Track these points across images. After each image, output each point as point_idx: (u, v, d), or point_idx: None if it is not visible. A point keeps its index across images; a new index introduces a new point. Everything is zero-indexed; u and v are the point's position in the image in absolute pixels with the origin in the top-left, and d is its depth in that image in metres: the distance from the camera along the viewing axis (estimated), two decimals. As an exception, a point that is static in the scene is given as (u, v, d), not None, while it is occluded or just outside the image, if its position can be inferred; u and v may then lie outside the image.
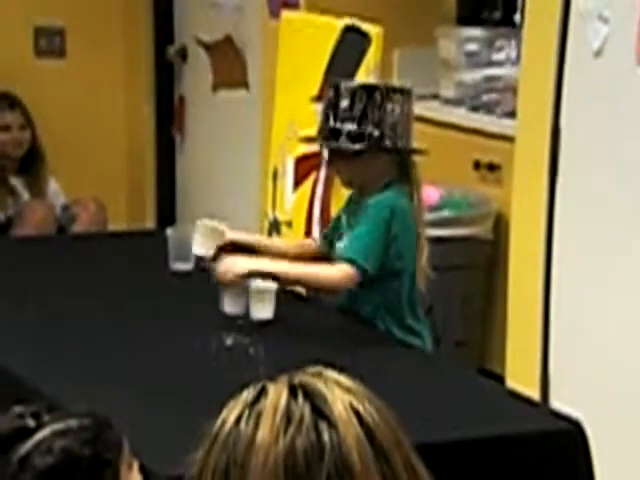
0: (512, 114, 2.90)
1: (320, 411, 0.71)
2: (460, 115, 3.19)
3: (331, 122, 2.08)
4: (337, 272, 2.03)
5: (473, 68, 3.24)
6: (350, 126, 2.06)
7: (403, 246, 2.06)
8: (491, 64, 3.23)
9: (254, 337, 1.99)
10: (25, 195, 3.61)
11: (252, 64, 3.70)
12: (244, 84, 3.76)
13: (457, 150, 3.13)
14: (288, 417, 0.71)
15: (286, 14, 3.01)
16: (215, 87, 3.92)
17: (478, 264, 3.10)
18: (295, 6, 3.29)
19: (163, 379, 1.88)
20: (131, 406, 1.73)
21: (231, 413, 0.73)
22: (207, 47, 3.93)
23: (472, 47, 3.25)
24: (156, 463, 1.50)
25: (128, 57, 4.12)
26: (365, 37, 2.66)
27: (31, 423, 1.16)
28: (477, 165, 3.15)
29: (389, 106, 2.07)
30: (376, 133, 2.05)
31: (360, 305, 2.10)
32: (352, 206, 2.16)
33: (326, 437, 0.70)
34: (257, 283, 2.08)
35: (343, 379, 0.74)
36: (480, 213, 3.10)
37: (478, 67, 3.24)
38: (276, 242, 2.45)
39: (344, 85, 2.10)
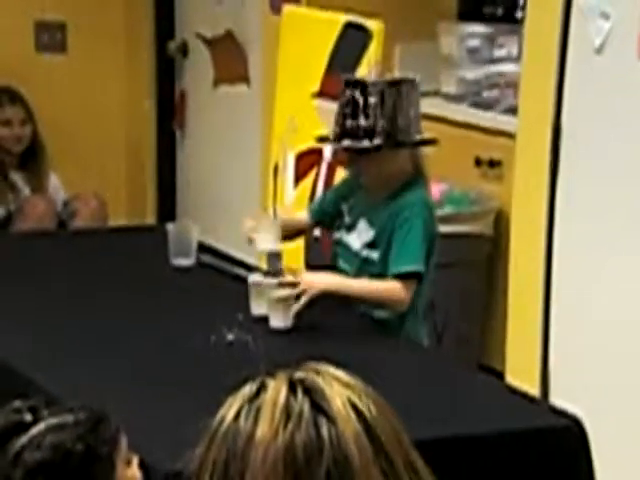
0: (513, 110, 2.90)
1: (319, 406, 0.72)
2: (461, 111, 3.19)
3: (360, 120, 2.06)
4: (396, 291, 2.03)
5: (474, 64, 3.23)
6: (367, 122, 2.06)
7: (433, 245, 2.08)
8: (492, 60, 3.23)
9: (255, 333, 1.99)
10: (26, 190, 3.61)
11: (253, 59, 3.69)
12: (245, 79, 3.76)
13: (458, 146, 3.12)
14: (287, 412, 0.72)
15: (287, 9, 3.01)
16: (216, 82, 3.91)
17: (479, 260, 3.10)
18: (296, 1, 3.28)
19: (163, 374, 1.88)
20: (131, 401, 1.73)
21: (230, 409, 0.73)
22: (208, 42, 3.93)
23: (473, 43, 3.24)
24: (155, 458, 1.50)
25: (129, 52, 4.12)
26: (366, 33, 2.66)
27: (28, 418, 1.16)
28: (478, 162, 3.14)
29: (410, 100, 2.08)
30: (400, 127, 2.06)
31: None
32: (363, 202, 2.14)
33: (325, 432, 0.71)
34: (275, 291, 2.03)
35: (342, 375, 0.75)
36: (481, 210, 3.10)
37: (479, 63, 3.23)
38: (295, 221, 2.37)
39: (371, 82, 2.09)
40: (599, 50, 2.40)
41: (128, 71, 4.13)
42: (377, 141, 2.06)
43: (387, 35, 2.67)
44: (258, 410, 0.72)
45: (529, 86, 2.62)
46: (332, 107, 2.73)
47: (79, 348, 1.98)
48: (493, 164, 3.11)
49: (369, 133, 2.06)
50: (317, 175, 2.80)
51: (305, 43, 2.85)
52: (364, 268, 2.10)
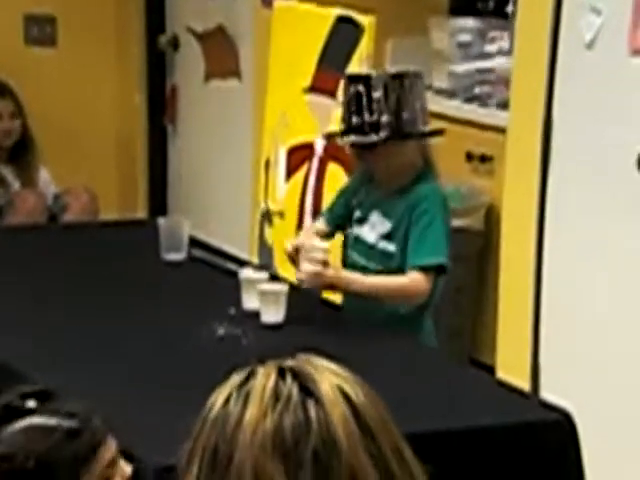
0: (504, 105, 2.90)
1: (307, 390, 0.73)
2: (452, 106, 3.19)
3: (365, 115, 2.05)
4: (416, 284, 2.01)
5: (465, 59, 3.23)
6: (371, 117, 2.05)
7: (449, 238, 2.08)
8: (483, 55, 3.23)
9: (246, 327, 1.99)
10: (16, 184, 3.60)
11: (244, 54, 3.68)
12: (236, 74, 3.75)
13: (449, 141, 3.12)
14: (276, 396, 0.72)
15: (279, 3, 3.00)
16: (207, 77, 3.90)
17: (469, 255, 3.11)
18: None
19: (154, 369, 1.88)
20: (121, 396, 1.73)
21: (219, 395, 0.74)
22: (199, 36, 3.92)
23: (465, 38, 3.25)
24: (146, 453, 1.50)
25: (119, 46, 4.10)
26: (358, 27, 2.66)
27: (29, 404, 1.16)
28: (469, 156, 3.15)
29: (415, 92, 2.08)
30: (406, 119, 2.06)
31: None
32: (374, 194, 2.13)
33: (313, 414, 0.72)
34: (265, 285, 2.02)
35: (332, 365, 0.76)
36: (472, 204, 3.10)
37: (470, 58, 3.23)
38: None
39: (374, 76, 2.09)
40: (590, 45, 2.41)
41: (118, 65, 4.11)
42: (383, 134, 2.06)
43: (378, 30, 2.67)
44: (247, 395, 0.73)
45: (520, 81, 2.62)
46: (324, 102, 2.73)
47: (70, 342, 1.97)
48: (484, 159, 3.12)
49: (374, 127, 2.06)
50: (308, 170, 2.80)
51: (296, 37, 2.85)
52: (383, 261, 2.09)
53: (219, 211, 3.87)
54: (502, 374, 2.46)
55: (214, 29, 3.83)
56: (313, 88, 2.78)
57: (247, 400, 0.73)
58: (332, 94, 2.66)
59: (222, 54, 3.80)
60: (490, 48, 3.23)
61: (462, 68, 3.24)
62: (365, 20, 2.66)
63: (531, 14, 2.56)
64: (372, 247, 2.12)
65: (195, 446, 0.73)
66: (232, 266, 2.32)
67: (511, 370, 2.50)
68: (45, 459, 1.13)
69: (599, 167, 2.43)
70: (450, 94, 3.25)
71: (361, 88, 2.07)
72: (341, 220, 2.21)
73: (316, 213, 2.73)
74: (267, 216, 2.92)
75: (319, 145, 2.75)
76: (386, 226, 2.11)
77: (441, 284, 2.11)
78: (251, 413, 0.72)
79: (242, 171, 3.57)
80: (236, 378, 0.75)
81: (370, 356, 1.84)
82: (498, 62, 3.18)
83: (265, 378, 0.74)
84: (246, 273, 2.14)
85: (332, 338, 1.93)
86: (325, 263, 2.01)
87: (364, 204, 2.16)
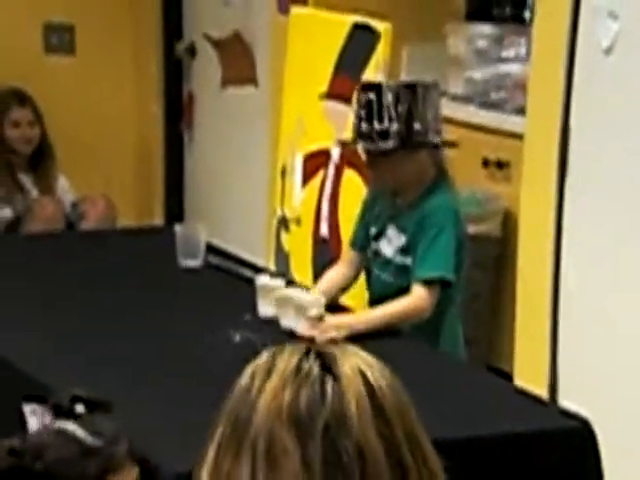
0: (521, 111, 2.89)
1: (328, 368, 0.77)
2: (469, 112, 3.18)
3: (374, 123, 2.06)
4: (419, 300, 2.01)
5: (482, 65, 3.23)
6: (381, 125, 2.05)
7: (463, 249, 2.07)
8: (500, 61, 3.22)
9: (262, 333, 1.99)
10: (34, 192, 3.62)
11: (261, 60, 3.69)
12: (253, 81, 3.76)
13: (465, 147, 3.11)
14: (298, 371, 0.77)
15: (295, 10, 3.01)
16: (224, 84, 3.91)
17: (486, 262, 3.09)
18: (304, 2, 3.29)
19: (170, 375, 1.88)
20: (137, 401, 1.74)
21: (249, 369, 0.80)
22: (216, 43, 3.93)
23: (481, 44, 3.24)
24: (162, 460, 1.50)
25: (137, 54, 4.12)
26: (374, 34, 2.66)
27: (78, 409, 1.16)
28: (486, 162, 3.14)
29: (427, 102, 2.07)
30: (417, 129, 2.05)
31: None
32: (389, 208, 2.13)
33: (329, 389, 0.76)
34: (302, 295, 2.00)
35: (361, 352, 0.81)
36: (488, 211, 3.09)
37: (487, 64, 3.22)
38: (333, 281, 2.20)
39: (386, 85, 2.10)
40: (608, 51, 2.40)
41: (136, 72, 4.13)
42: (391, 143, 2.05)
43: (395, 36, 2.67)
44: (271, 368, 0.79)
45: (537, 87, 2.61)
46: (340, 108, 2.73)
47: (87, 349, 1.98)
48: (501, 165, 3.11)
49: (384, 135, 2.06)
50: (325, 176, 2.80)
51: (313, 44, 2.85)
52: (401, 275, 2.09)
53: (235, 218, 3.87)
54: (520, 381, 2.45)
55: (231, 36, 3.84)
56: (329, 95, 2.78)
57: (270, 372, 0.78)
58: (348, 101, 2.66)
59: (239, 61, 3.81)
60: (507, 54, 3.22)
61: (479, 74, 3.23)
62: (381, 26, 2.66)
63: (548, 20, 2.55)
64: (390, 261, 2.12)
65: (222, 410, 0.79)
66: (248, 273, 2.33)
67: (529, 378, 2.49)
68: (52, 467, 1.13)
69: (617, 173, 2.42)
70: (466, 100, 3.24)
71: (372, 96, 2.07)
72: (365, 241, 2.20)
73: (332, 220, 2.73)
74: (283, 223, 2.92)
75: (335, 151, 2.75)
76: (401, 240, 2.10)
77: (457, 296, 2.10)
78: (272, 384, 0.77)
79: (258, 178, 3.57)
80: (265, 355, 0.80)
81: (386, 360, 1.83)
82: (515, 68, 3.17)
83: (290, 356, 0.79)
84: (262, 280, 2.14)
85: (352, 342, 1.92)
86: (320, 318, 1.98)
87: (380, 218, 2.16)
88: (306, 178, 2.86)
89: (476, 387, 1.90)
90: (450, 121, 3.17)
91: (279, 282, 2.13)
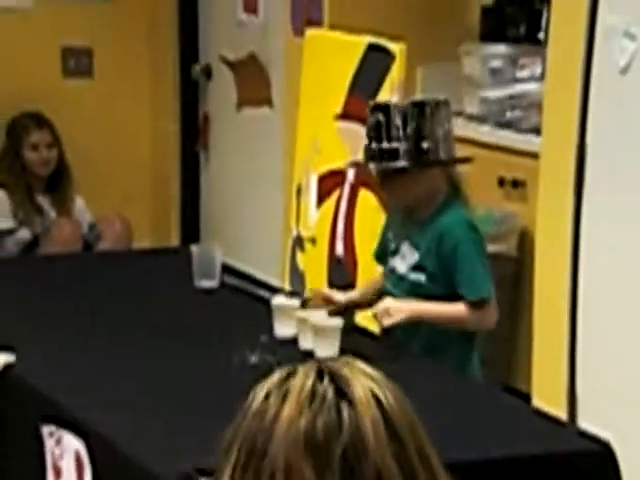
0: (537, 131, 2.89)
1: (343, 392, 0.78)
2: (484, 132, 3.18)
3: (383, 143, 2.07)
4: (492, 311, 2.14)
5: (497, 85, 3.23)
6: (390, 145, 2.06)
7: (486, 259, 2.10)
8: (515, 81, 3.22)
9: (278, 355, 1.99)
10: (52, 213, 3.64)
11: (276, 82, 3.71)
12: (268, 101, 3.78)
13: (481, 167, 3.11)
14: (313, 395, 0.77)
15: (310, 32, 3.02)
16: (239, 105, 3.94)
17: (503, 281, 3.08)
18: (319, 24, 3.30)
19: (186, 396, 1.88)
20: (152, 421, 1.73)
21: (261, 390, 0.80)
22: (231, 65, 3.96)
23: (496, 64, 3.24)
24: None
25: (154, 76, 4.15)
26: (388, 54, 2.67)
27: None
28: (501, 182, 3.13)
29: (436, 120, 2.08)
30: (426, 147, 2.06)
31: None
32: (404, 226, 2.14)
33: (345, 415, 0.76)
34: (321, 317, 2.01)
35: (368, 368, 0.81)
36: (504, 230, 3.08)
37: (502, 84, 3.23)
38: (367, 287, 2.30)
39: (394, 105, 2.11)
40: (624, 71, 2.39)
41: (153, 94, 4.16)
42: (401, 163, 2.06)
43: (409, 56, 2.68)
44: (286, 392, 0.78)
45: (553, 106, 2.61)
46: (355, 129, 2.74)
47: (104, 370, 1.98)
48: (517, 184, 3.10)
49: (393, 155, 2.06)
50: (340, 196, 2.80)
51: (328, 65, 2.86)
52: (413, 291, 2.10)
53: (251, 238, 3.88)
54: (538, 402, 2.43)
55: (246, 57, 3.87)
56: (344, 115, 2.79)
57: (286, 397, 0.77)
58: (363, 121, 2.66)
59: (254, 82, 3.83)
60: (522, 74, 3.22)
61: (493, 94, 3.23)
62: (396, 47, 2.67)
63: (563, 39, 2.55)
64: (403, 278, 2.12)
65: (235, 435, 0.78)
66: (264, 293, 2.32)
67: (547, 398, 2.47)
68: None
69: (633, 193, 2.40)
70: (482, 119, 3.24)
71: (381, 117, 2.08)
72: (386, 257, 2.21)
73: (347, 239, 2.72)
74: (299, 242, 2.92)
75: (350, 171, 2.75)
76: (415, 257, 2.11)
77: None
78: (288, 410, 0.77)
79: (274, 198, 3.58)
80: (277, 375, 0.80)
81: (402, 381, 1.83)
82: (530, 87, 3.18)
83: (304, 377, 0.79)
84: (278, 300, 2.14)
85: (368, 362, 1.91)
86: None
87: (397, 235, 2.16)
88: (321, 198, 2.87)
89: (493, 408, 1.89)
90: (465, 141, 3.17)
91: (295, 302, 2.13)
